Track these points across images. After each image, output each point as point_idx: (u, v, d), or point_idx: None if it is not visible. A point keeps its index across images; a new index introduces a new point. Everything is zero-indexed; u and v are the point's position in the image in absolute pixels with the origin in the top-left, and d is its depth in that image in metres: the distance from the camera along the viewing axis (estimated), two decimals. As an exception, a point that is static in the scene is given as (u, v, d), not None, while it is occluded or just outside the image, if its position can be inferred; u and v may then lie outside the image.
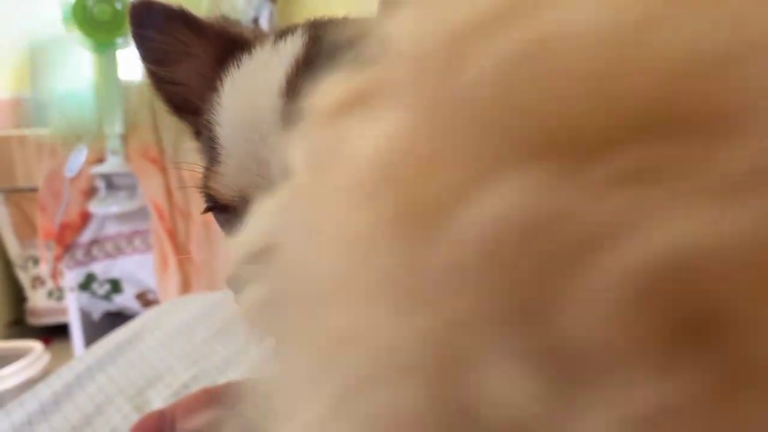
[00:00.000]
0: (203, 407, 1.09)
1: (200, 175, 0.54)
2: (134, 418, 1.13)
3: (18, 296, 3.92)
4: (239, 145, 0.50)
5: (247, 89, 0.51)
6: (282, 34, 0.53)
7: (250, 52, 0.54)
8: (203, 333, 1.59)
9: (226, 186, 0.51)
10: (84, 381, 1.33)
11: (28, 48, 3.03)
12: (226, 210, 0.54)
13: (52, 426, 1.14)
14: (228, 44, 0.57)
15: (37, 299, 3.87)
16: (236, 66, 0.53)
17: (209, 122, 0.52)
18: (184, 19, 0.60)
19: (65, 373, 1.36)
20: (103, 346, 1.52)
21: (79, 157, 2.55)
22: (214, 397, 1.11)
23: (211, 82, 0.56)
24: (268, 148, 0.48)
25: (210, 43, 0.59)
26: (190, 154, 2.33)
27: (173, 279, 2.53)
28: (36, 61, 3.06)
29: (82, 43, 2.44)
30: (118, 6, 2.38)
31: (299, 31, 0.52)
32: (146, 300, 2.79)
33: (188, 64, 0.61)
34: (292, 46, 0.51)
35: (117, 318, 2.73)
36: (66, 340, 3.60)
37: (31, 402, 1.21)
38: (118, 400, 1.24)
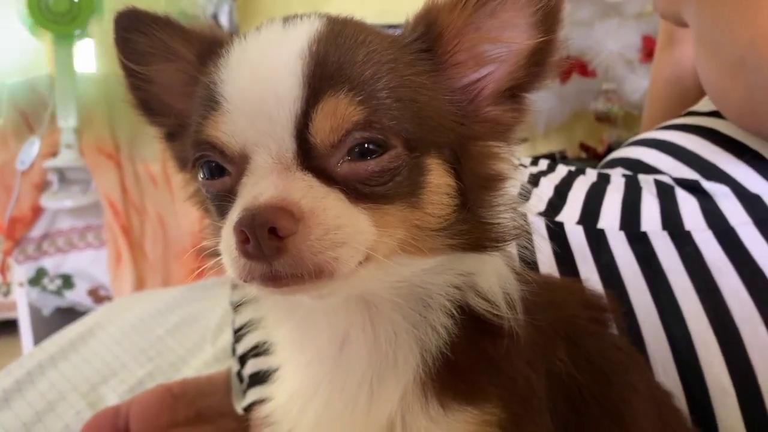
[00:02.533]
0: (159, 404, 1.10)
1: (196, 126, 0.55)
2: (88, 415, 1.13)
3: (-38, 292, 3.82)
4: (250, 101, 0.51)
5: (263, 51, 0.53)
6: (289, 18, 0.56)
7: (235, 45, 0.55)
8: (158, 330, 1.58)
9: (229, 136, 0.52)
10: (35, 377, 1.31)
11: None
12: (218, 165, 0.55)
13: (3, 424, 1.12)
14: (211, 43, 0.59)
15: (-19, 294, 3.77)
16: (237, 44, 0.55)
17: (211, 82, 0.54)
18: (167, 23, 0.63)
19: (15, 370, 1.34)
20: (55, 342, 1.50)
21: (31, 150, 2.51)
22: (169, 394, 1.12)
23: (194, 79, 0.58)
24: (282, 106, 0.50)
25: (193, 43, 0.62)
26: (144, 149, 2.30)
27: (127, 275, 2.50)
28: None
29: (36, 33, 2.40)
30: (75, -2, 2.35)
31: (310, 17, 0.56)
32: (98, 296, 2.75)
33: (170, 64, 0.63)
34: (310, 24, 0.54)
35: (68, 314, 2.69)
36: (11, 336, 3.50)
37: (-20, 399, 1.19)
38: (71, 396, 1.23)
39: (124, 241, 2.49)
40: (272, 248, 0.47)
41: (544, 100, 3.13)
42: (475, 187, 0.57)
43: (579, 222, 0.89)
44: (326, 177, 0.51)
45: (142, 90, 0.65)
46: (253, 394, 1.00)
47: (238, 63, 0.54)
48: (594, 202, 0.91)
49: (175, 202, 2.63)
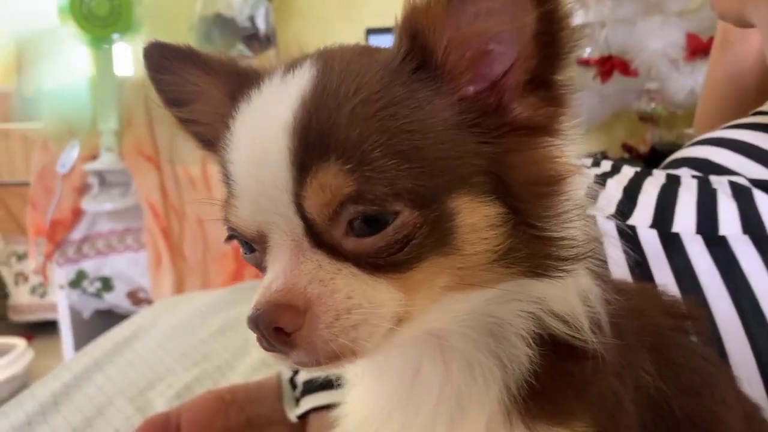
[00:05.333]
0: (210, 411, 1.08)
1: (221, 204, 0.52)
2: (137, 420, 1.11)
3: (0, 292, 3.88)
4: (251, 184, 0.49)
5: (256, 126, 0.50)
6: (291, 66, 0.51)
7: (259, 87, 0.52)
8: (201, 333, 1.57)
9: (243, 221, 0.50)
10: (82, 382, 1.30)
11: (15, 41, 2.98)
12: (246, 242, 0.53)
13: (52, 427, 1.11)
14: (239, 79, 0.56)
15: (20, 296, 3.83)
16: (246, 102, 0.51)
17: (223, 159, 0.51)
18: (192, 58, 0.59)
19: (62, 374, 1.33)
20: (99, 346, 1.49)
21: (71, 153, 2.52)
22: (220, 401, 1.10)
23: (225, 118, 0.54)
24: (278, 186, 0.47)
25: (221, 80, 0.58)
26: (183, 152, 2.31)
27: (167, 278, 2.51)
28: (24, 54, 3.02)
29: (77, 37, 2.41)
30: (116, 1, 2.35)
31: (308, 63, 0.51)
32: (137, 298, 2.76)
33: (203, 102, 0.60)
34: (300, 80, 0.49)
35: (107, 316, 2.71)
36: (49, 337, 3.55)
37: (29, 402, 1.19)
38: (118, 401, 1.22)
39: (164, 244, 2.50)
40: (282, 343, 0.45)
41: (584, 99, 3.08)
42: (530, 199, 0.50)
43: (652, 225, 0.85)
44: (337, 252, 0.47)
45: (191, 125, 0.62)
46: (308, 402, 0.98)
47: (239, 139, 0.50)
48: (666, 205, 0.87)
49: (214, 204, 2.62)
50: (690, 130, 2.78)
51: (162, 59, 0.60)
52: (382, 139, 0.46)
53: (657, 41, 2.79)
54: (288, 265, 0.47)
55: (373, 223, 0.46)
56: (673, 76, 2.77)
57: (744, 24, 1.01)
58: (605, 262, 0.70)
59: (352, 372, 0.65)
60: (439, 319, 0.52)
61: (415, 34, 0.49)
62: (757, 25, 0.97)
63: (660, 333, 0.63)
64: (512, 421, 0.53)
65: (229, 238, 0.54)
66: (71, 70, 2.68)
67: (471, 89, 0.50)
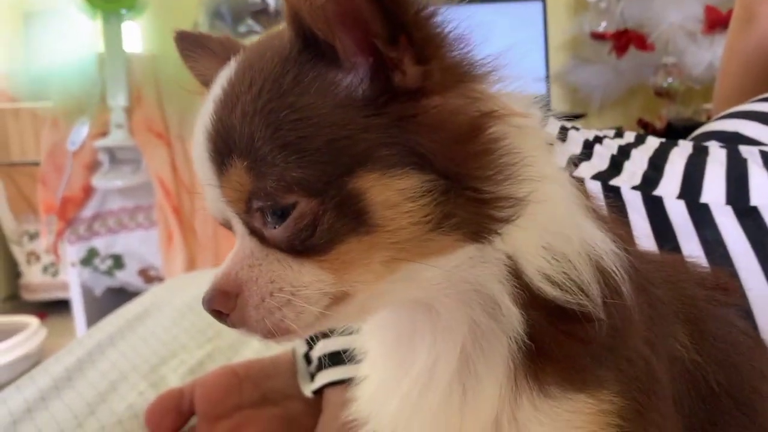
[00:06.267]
0: (224, 386, 1.07)
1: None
2: (151, 395, 1.10)
3: (12, 272, 3.89)
4: (200, 177, 0.52)
5: (197, 124, 0.53)
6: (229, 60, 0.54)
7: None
8: (214, 310, 1.57)
9: (210, 210, 0.54)
10: (95, 357, 1.29)
11: (22, 18, 2.96)
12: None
13: (66, 402, 1.10)
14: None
15: (32, 275, 3.84)
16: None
17: None
18: (199, 42, 0.61)
19: (76, 349, 1.32)
20: (111, 323, 1.48)
21: (81, 131, 2.51)
22: (234, 376, 1.08)
23: None
24: (210, 182, 0.50)
25: (220, 63, 0.57)
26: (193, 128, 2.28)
27: (178, 255, 2.50)
28: (31, 31, 3.00)
29: (85, 12, 2.39)
30: (124, -25, 2.32)
31: (236, 57, 0.53)
32: (149, 276, 2.76)
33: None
34: (222, 78, 0.52)
35: (119, 294, 2.71)
36: (62, 316, 3.57)
37: (43, 377, 1.18)
38: (132, 377, 1.21)
39: (175, 221, 2.48)
40: (224, 322, 0.50)
41: (599, 74, 3.03)
42: (459, 161, 0.46)
43: (680, 196, 0.82)
44: (264, 239, 0.50)
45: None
46: (324, 377, 0.96)
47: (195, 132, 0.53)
48: (695, 175, 0.84)
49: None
50: (708, 105, 2.73)
51: (186, 46, 0.62)
52: (268, 133, 0.47)
53: (674, 14, 2.74)
54: (233, 253, 0.51)
55: (279, 214, 0.48)
56: (691, 50, 2.72)
57: None
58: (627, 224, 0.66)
59: (361, 345, 0.64)
60: (409, 290, 0.51)
61: (296, 16, 0.48)
62: None
63: (694, 304, 0.60)
64: (529, 387, 0.51)
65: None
66: (80, 47, 2.66)
67: (350, 63, 0.48)
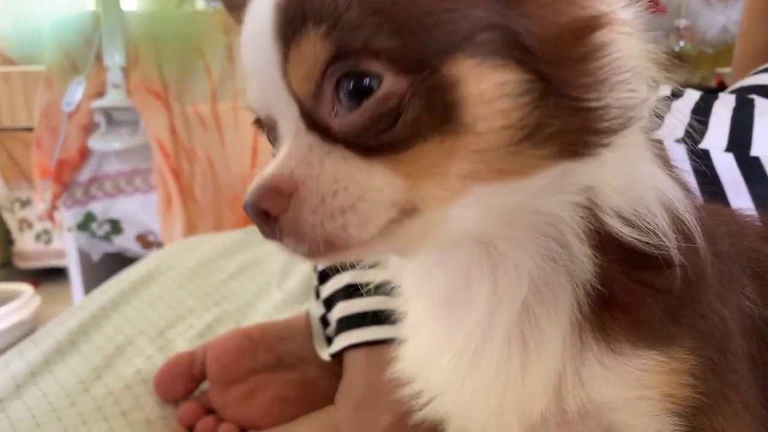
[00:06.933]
0: (237, 350, 1.03)
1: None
2: (159, 359, 1.06)
3: (5, 239, 3.84)
4: (253, 66, 0.47)
5: (254, 6, 0.47)
6: None
7: None
8: (220, 274, 1.52)
9: (255, 105, 0.49)
10: (99, 321, 1.25)
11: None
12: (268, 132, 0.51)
13: (71, 367, 1.06)
14: None
15: (25, 242, 3.80)
16: None
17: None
18: None
19: (78, 312, 1.28)
20: (113, 286, 1.44)
21: (77, 91, 2.43)
22: (248, 339, 1.04)
23: None
24: (270, 66, 0.44)
25: None
26: (193, 90, 2.22)
27: (177, 220, 2.44)
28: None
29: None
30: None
31: None
32: (147, 242, 2.71)
33: None
34: None
35: (117, 260, 2.66)
36: (56, 284, 3.54)
37: (46, 341, 1.13)
38: (139, 341, 1.17)
39: (175, 185, 2.43)
40: (270, 229, 0.44)
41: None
42: (559, 61, 0.42)
43: (728, 149, 0.77)
44: (328, 134, 0.44)
45: None
46: (343, 340, 0.92)
47: (245, 22, 0.48)
48: (743, 127, 0.80)
49: (225, 144, 2.55)
50: (721, 70, 2.68)
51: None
52: None
53: (687, -25, 2.67)
54: (286, 151, 0.45)
55: (358, 95, 0.42)
56: (705, 13, 2.66)
57: None
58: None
59: (400, 305, 0.60)
60: (478, 220, 0.45)
61: None
62: None
63: (759, 259, 0.56)
64: (596, 341, 0.47)
65: (255, 122, 0.52)
66: (73, 4, 2.58)
67: None
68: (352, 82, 0.41)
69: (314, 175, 0.43)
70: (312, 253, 0.43)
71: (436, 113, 0.41)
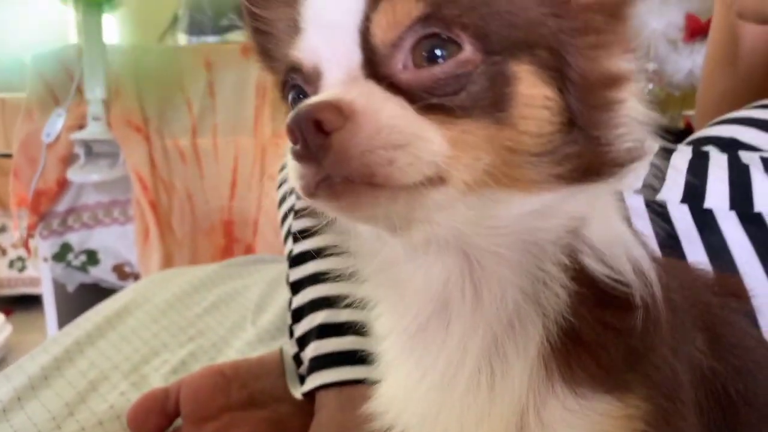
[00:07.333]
0: (211, 387, 1.04)
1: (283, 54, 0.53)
2: (133, 395, 1.07)
3: (-24, 266, 3.79)
4: (320, 17, 0.49)
5: None
6: None
7: None
8: (195, 308, 1.53)
9: (304, 53, 0.50)
10: (73, 356, 1.25)
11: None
12: (302, 80, 0.52)
13: (44, 403, 1.06)
14: None
15: (-2, 269, 3.74)
16: None
17: (297, 12, 0.51)
18: None
19: (51, 347, 1.28)
20: (89, 319, 1.44)
21: (57, 122, 2.44)
22: (221, 376, 1.06)
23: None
24: (348, 15, 0.47)
25: None
26: (173, 123, 2.24)
27: (154, 252, 2.45)
28: (4, 17, 2.93)
29: (65, 2, 2.33)
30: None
31: None
32: (123, 273, 2.70)
33: (290, 8, 0.57)
34: None
35: (92, 291, 2.64)
36: (29, 312, 3.48)
37: (18, 376, 1.14)
38: (113, 376, 1.18)
39: (153, 217, 2.43)
40: (317, 144, 0.43)
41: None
42: (587, 101, 0.48)
43: (683, 201, 0.81)
44: (391, 85, 0.46)
45: (263, 35, 0.60)
46: (317, 379, 0.94)
47: None
48: (698, 180, 0.84)
49: (204, 177, 2.57)
50: (687, 112, 2.76)
51: (253, 11, 0.59)
52: None
53: (656, 21, 2.75)
54: (337, 89, 0.46)
55: (433, 55, 0.45)
56: (672, 58, 2.74)
57: (766, 21, 0.99)
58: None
59: (374, 345, 0.61)
60: (475, 224, 0.48)
61: None
62: None
63: (710, 311, 0.59)
64: (557, 379, 0.49)
65: (284, 83, 0.54)
66: (57, 36, 2.60)
67: None
68: (434, 44, 0.45)
69: (375, 107, 0.44)
70: (346, 181, 0.44)
71: (493, 97, 0.45)
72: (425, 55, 0.46)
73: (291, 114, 0.44)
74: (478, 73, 0.45)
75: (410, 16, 0.45)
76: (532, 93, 0.46)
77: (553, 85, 0.47)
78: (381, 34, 0.46)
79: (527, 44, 0.47)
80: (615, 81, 0.49)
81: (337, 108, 0.43)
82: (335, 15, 0.48)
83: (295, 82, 0.52)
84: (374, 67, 0.47)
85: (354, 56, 0.47)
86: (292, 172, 0.46)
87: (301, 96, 0.52)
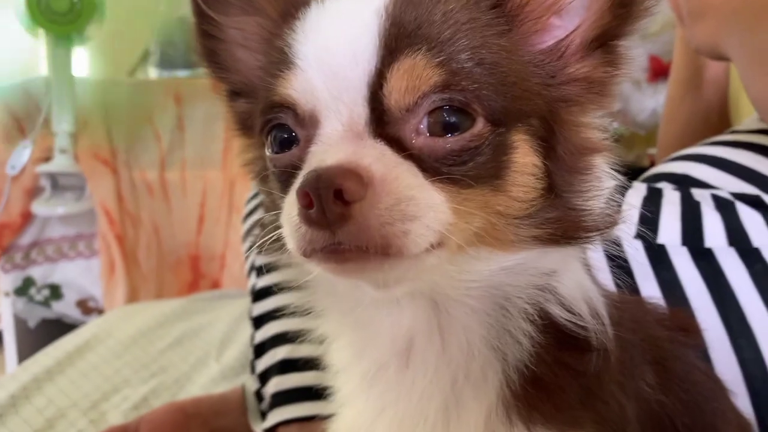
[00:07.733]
0: (171, 423, 1.02)
1: (268, 87, 0.52)
2: (91, 434, 1.05)
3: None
4: (327, 58, 0.48)
5: (342, 13, 0.50)
6: None
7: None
8: (159, 344, 1.51)
9: (301, 94, 0.49)
10: (30, 393, 1.22)
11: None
12: (286, 133, 0.52)
13: (-2, 441, 1.04)
14: (296, 2, 0.54)
15: (-42, 303, 3.65)
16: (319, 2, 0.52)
17: (288, 42, 0.51)
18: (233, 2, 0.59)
19: (9, 383, 1.25)
20: (49, 355, 1.41)
21: (22, 154, 2.41)
22: (182, 413, 1.04)
23: (272, 37, 0.55)
24: (358, 66, 0.47)
25: (278, 0, 0.57)
26: (141, 156, 2.24)
27: (120, 286, 2.41)
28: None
29: (34, 34, 2.32)
30: (76, -1, 2.27)
31: None
32: (87, 308, 2.65)
33: (250, 17, 0.59)
34: None
35: (55, 326, 2.59)
36: (-9, 347, 3.40)
37: (-27, 414, 1.11)
38: (71, 414, 1.15)
39: (118, 251, 2.41)
40: (336, 214, 0.42)
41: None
42: (566, 166, 0.51)
43: (637, 236, 0.83)
44: (400, 148, 0.46)
45: (212, 39, 0.61)
46: (277, 415, 0.93)
47: (316, 22, 0.50)
48: (651, 216, 0.86)
49: (171, 211, 2.55)
50: (652, 150, 2.82)
51: (204, 11, 0.60)
52: (471, 44, 0.48)
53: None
54: (348, 147, 0.45)
55: (448, 125, 0.47)
56: (636, 97, 2.81)
57: (719, 57, 1.03)
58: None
59: (340, 360, 0.61)
60: (451, 277, 0.50)
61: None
62: (732, 58, 0.99)
63: (659, 345, 0.61)
64: (512, 420, 0.51)
65: (268, 121, 0.52)
66: (26, 68, 2.59)
67: (542, 38, 0.52)
68: (451, 114, 0.47)
69: (393, 176, 0.44)
70: (358, 250, 0.43)
71: (494, 166, 0.48)
72: (440, 124, 0.47)
73: (305, 176, 0.43)
74: (487, 144, 0.47)
75: (429, 82, 0.46)
76: (525, 161, 0.49)
77: (540, 152, 0.50)
78: (397, 96, 0.46)
79: (525, 114, 0.49)
80: (591, 151, 0.52)
81: (358, 176, 0.42)
82: (342, 60, 0.47)
83: (282, 121, 0.51)
84: (383, 126, 0.47)
85: (360, 110, 0.47)
86: (294, 233, 0.45)
87: (287, 137, 0.51)
